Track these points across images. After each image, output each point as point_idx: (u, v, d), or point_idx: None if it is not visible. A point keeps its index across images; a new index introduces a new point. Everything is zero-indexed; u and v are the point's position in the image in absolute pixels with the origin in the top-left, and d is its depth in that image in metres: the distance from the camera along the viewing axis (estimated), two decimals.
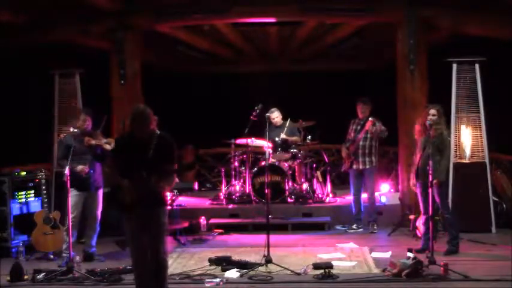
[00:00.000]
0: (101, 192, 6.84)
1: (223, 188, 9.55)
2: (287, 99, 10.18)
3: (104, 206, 6.83)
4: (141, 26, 8.88)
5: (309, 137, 9.24)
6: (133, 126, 4.84)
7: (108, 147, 6.65)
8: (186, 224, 8.23)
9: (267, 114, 7.27)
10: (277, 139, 8.92)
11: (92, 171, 6.70)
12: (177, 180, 5.06)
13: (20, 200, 7.33)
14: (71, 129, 6.74)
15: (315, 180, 9.32)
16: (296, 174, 9.27)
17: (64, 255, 6.53)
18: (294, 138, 9.13)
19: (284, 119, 9.26)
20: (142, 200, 4.75)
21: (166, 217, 4.95)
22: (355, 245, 7.26)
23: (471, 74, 8.07)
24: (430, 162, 6.16)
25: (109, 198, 4.97)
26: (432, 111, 6.64)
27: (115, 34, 8.67)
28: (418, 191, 6.79)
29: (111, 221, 7.38)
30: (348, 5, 8.48)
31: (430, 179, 6.14)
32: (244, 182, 9.31)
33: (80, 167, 6.57)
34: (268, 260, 6.12)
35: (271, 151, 8.72)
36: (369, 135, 8.12)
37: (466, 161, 8.06)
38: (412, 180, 6.81)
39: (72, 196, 6.58)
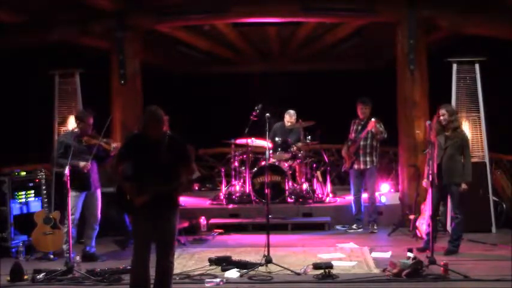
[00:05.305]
0: (99, 192, 6.84)
1: (223, 188, 9.55)
2: (287, 99, 10.17)
3: (108, 205, 6.83)
4: (141, 26, 8.88)
5: (309, 137, 9.24)
6: (148, 127, 4.80)
7: (107, 146, 6.65)
8: (186, 224, 8.22)
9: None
10: (277, 139, 8.94)
11: (90, 171, 6.69)
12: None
13: (20, 200, 7.33)
14: (71, 129, 6.76)
15: (315, 180, 9.31)
16: (296, 174, 9.28)
17: (66, 255, 6.53)
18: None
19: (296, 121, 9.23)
20: (153, 202, 4.70)
21: (177, 220, 4.91)
22: (355, 245, 7.26)
23: (471, 74, 8.06)
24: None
25: (115, 198, 4.94)
26: (442, 111, 6.63)
27: (115, 34, 8.66)
28: (432, 191, 6.59)
29: (111, 221, 7.38)
30: (348, 5, 8.47)
31: (456, 180, 6.20)
32: (244, 182, 9.29)
33: (82, 163, 6.56)
34: (268, 260, 6.11)
35: (271, 151, 8.72)
36: (369, 135, 8.13)
37: None
38: (427, 180, 6.56)
39: (72, 197, 6.58)
